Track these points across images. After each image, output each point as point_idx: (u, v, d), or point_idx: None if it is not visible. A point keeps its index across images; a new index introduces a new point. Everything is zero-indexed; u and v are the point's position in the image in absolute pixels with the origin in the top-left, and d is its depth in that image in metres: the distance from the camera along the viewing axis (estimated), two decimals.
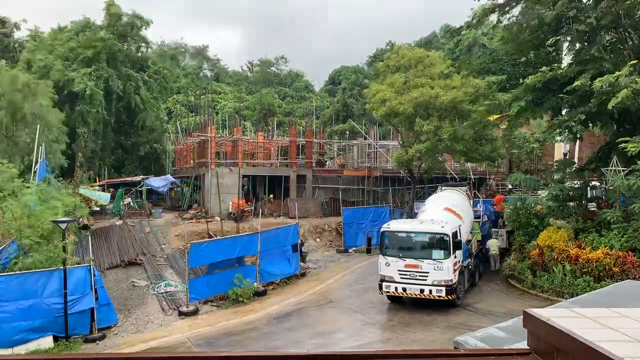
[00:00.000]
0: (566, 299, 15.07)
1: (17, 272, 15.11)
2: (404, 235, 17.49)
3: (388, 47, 59.38)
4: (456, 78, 27.68)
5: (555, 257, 17.93)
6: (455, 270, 16.70)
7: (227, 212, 29.92)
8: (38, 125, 26.15)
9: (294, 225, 22.75)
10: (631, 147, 16.18)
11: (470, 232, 20.19)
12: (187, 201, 34.13)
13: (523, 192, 25.38)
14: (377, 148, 37.19)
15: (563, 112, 20.34)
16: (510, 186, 34.98)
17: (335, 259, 26.04)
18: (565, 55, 21.52)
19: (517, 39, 21.02)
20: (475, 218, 21.65)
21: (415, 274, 16.64)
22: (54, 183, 24.62)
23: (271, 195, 33.23)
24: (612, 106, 16.12)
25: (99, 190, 31.54)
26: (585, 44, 19.46)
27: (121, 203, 32.27)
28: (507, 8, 21.31)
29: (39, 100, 29.23)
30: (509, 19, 21.74)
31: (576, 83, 17.19)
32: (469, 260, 19.03)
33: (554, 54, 22.49)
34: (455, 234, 16.94)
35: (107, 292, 16.93)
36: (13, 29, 45.36)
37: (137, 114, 43.60)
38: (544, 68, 19.22)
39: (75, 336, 15.27)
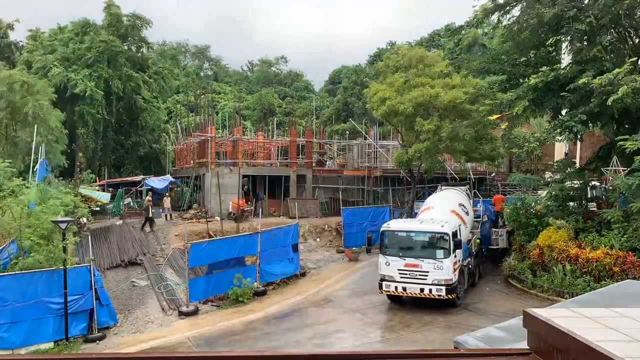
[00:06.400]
0: (566, 299, 15.07)
1: (16, 272, 15.10)
2: (404, 234, 17.49)
3: (389, 47, 59.34)
4: (456, 77, 27.68)
5: (555, 257, 17.92)
6: (455, 270, 16.70)
7: (227, 212, 29.91)
8: (36, 126, 26.16)
9: (294, 225, 22.74)
10: (629, 145, 16.21)
11: (471, 232, 20.17)
12: (187, 201, 34.14)
13: (523, 192, 25.35)
14: (377, 148, 37.19)
15: (563, 112, 20.34)
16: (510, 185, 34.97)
17: (335, 259, 26.04)
18: (565, 55, 21.53)
19: (517, 39, 21.02)
20: (475, 218, 21.63)
21: (415, 273, 16.63)
22: (54, 183, 24.64)
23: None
24: (612, 102, 16.11)
25: (98, 190, 31.55)
26: (585, 43, 19.46)
27: (121, 203, 32.31)
28: (508, 8, 21.31)
29: (38, 100, 29.25)
30: (509, 19, 21.75)
31: (581, 80, 17.16)
32: (469, 259, 19.01)
33: (554, 53, 22.48)
34: (455, 234, 16.94)
35: (107, 292, 16.92)
36: (7, 30, 45.31)
37: (137, 114, 43.65)
38: (544, 68, 19.20)
39: (75, 336, 15.26)
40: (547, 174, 21.77)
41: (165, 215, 30.57)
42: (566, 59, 21.48)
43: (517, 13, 21.26)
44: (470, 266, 19.10)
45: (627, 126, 19.90)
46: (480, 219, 22.19)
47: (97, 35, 40.11)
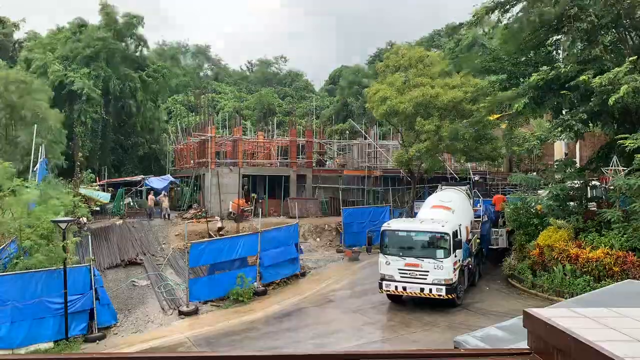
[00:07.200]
0: (566, 298, 15.06)
1: (17, 272, 15.10)
2: (404, 234, 17.48)
3: (389, 47, 59.32)
4: (456, 77, 27.67)
5: (555, 256, 17.90)
6: (455, 270, 16.69)
7: (227, 212, 29.92)
8: (35, 126, 26.15)
9: (294, 225, 22.74)
10: (629, 143, 16.23)
11: (471, 232, 20.14)
12: (187, 201, 34.13)
13: (523, 192, 25.34)
14: (377, 148, 37.19)
15: (563, 112, 20.34)
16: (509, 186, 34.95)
17: (335, 259, 26.04)
18: (566, 55, 21.51)
19: (518, 38, 21.01)
20: (475, 218, 21.60)
21: (416, 272, 16.62)
22: (54, 183, 24.63)
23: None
24: (613, 102, 16.10)
25: (98, 190, 31.56)
26: (586, 43, 19.46)
27: (121, 203, 32.32)
28: (508, 7, 21.29)
29: (37, 99, 29.26)
30: (510, 18, 21.75)
31: (581, 77, 17.17)
32: (469, 259, 19.01)
33: (554, 53, 22.48)
34: (455, 233, 16.92)
35: (107, 291, 16.92)
36: (13, 29, 45.40)
37: (135, 114, 43.64)
38: (544, 67, 19.20)
39: (75, 336, 15.26)
40: (556, 176, 21.74)
41: (163, 215, 30.50)
42: (566, 60, 21.48)
43: (517, 11, 21.27)
44: (470, 266, 19.10)
45: (627, 126, 19.90)
46: (481, 219, 22.17)
47: (94, 32, 40.09)
